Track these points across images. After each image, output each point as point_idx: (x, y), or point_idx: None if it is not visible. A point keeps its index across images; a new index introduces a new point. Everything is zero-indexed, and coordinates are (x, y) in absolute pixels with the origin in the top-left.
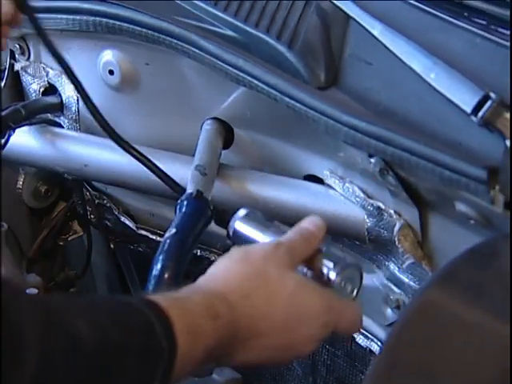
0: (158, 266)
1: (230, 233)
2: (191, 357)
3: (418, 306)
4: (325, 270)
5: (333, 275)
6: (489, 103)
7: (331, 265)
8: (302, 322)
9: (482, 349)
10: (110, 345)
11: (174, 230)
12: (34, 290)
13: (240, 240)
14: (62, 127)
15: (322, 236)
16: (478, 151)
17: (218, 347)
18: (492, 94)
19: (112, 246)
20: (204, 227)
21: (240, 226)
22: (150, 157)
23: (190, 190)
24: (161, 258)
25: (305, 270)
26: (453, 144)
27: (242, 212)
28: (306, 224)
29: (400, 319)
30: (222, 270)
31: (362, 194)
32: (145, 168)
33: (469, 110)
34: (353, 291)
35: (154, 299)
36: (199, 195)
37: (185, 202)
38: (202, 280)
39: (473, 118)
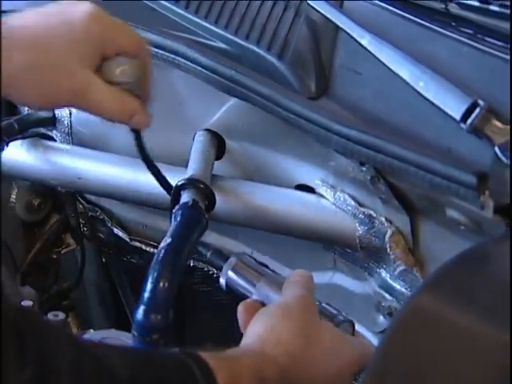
0: (154, 274)
1: (223, 283)
2: None
3: (408, 311)
4: None
5: None
6: (477, 110)
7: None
8: (338, 375)
9: (472, 353)
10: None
11: (169, 240)
12: (29, 302)
13: (235, 287)
14: (55, 141)
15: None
16: (468, 157)
17: None
18: (480, 102)
19: (104, 259)
20: (199, 236)
21: (233, 274)
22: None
23: (184, 199)
24: (156, 267)
25: None
26: (442, 151)
27: (232, 260)
28: (297, 277)
29: (390, 325)
30: (268, 331)
31: (353, 203)
32: (138, 179)
33: (458, 117)
34: None
35: (201, 354)
36: (195, 204)
37: (180, 212)
38: (249, 341)
39: (462, 125)
